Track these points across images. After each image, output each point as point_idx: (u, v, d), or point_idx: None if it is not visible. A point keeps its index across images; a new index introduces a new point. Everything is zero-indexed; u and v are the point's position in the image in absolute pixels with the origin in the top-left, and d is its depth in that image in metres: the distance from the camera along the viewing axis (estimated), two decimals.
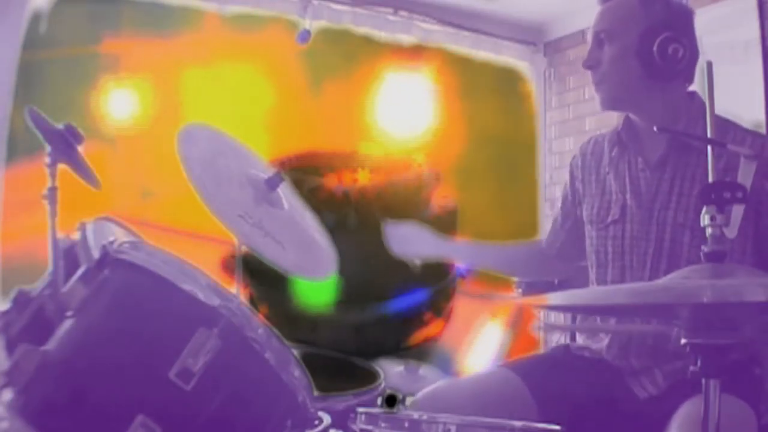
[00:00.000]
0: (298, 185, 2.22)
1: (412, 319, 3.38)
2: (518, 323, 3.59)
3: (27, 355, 1.38)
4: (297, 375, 1.46)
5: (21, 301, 1.77)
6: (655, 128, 1.46)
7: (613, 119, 1.79)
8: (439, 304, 3.46)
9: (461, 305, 3.56)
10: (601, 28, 1.69)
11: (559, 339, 3.26)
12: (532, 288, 2.57)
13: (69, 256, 1.81)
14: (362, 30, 3.77)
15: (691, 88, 1.69)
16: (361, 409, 1.23)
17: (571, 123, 4.10)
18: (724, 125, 1.57)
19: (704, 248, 1.11)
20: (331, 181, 3.36)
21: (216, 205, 1.69)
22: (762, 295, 0.94)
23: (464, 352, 3.61)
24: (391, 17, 3.83)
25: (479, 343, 3.61)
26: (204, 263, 1.54)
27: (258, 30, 3.51)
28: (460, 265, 2.85)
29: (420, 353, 3.29)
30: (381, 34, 3.80)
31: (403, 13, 3.84)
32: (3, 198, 2.97)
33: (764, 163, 1.27)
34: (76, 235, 1.86)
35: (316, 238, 1.99)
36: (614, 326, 1.66)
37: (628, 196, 1.68)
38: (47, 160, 1.88)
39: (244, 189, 1.83)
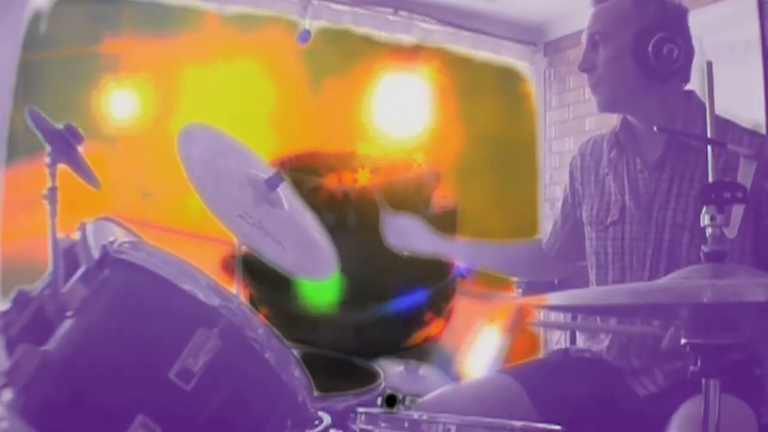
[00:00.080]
0: (298, 185, 2.22)
1: (412, 319, 3.37)
2: (517, 327, 3.59)
3: (27, 355, 1.38)
4: (297, 375, 1.46)
5: (21, 301, 1.77)
6: (655, 128, 1.46)
7: (613, 119, 1.79)
8: (439, 304, 3.46)
9: (461, 305, 3.55)
10: (595, 30, 1.68)
11: (558, 341, 3.27)
12: (532, 288, 2.56)
13: (69, 256, 1.81)
14: (362, 30, 3.77)
15: (691, 87, 1.69)
16: (361, 409, 1.23)
17: (571, 123, 4.09)
18: (723, 125, 1.57)
19: (704, 248, 1.11)
20: (331, 181, 3.36)
21: (216, 205, 1.69)
22: (762, 295, 0.94)
23: (464, 353, 3.61)
24: (391, 17, 3.83)
25: (478, 348, 3.60)
26: (204, 263, 1.54)
27: (258, 30, 3.51)
28: (459, 265, 2.85)
29: (420, 353, 3.28)
30: (381, 34, 3.80)
31: (403, 13, 3.84)
32: (3, 198, 2.97)
33: (764, 162, 1.27)
34: (76, 235, 1.85)
35: (316, 238, 1.99)
36: (612, 326, 1.66)
37: (627, 197, 1.68)
38: (47, 160, 1.88)
39: (244, 189, 1.83)
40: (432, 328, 3.47)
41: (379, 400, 1.21)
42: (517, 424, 1.16)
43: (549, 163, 4.26)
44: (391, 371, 2.77)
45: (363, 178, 3.38)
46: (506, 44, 4.15)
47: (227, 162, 1.87)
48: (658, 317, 1.38)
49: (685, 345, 1.07)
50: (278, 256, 1.74)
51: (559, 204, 1.93)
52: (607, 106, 1.71)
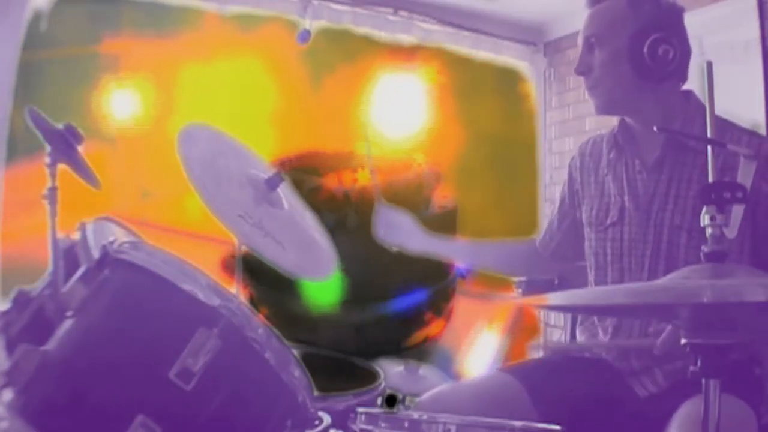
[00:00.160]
0: (298, 185, 2.22)
1: (412, 319, 3.38)
2: (516, 329, 3.59)
3: (27, 355, 1.38)
4: (297, 375, 1.46)
5: (21, 301, 1.77)
6: (654, 128, 1.46)
7: (613, 119, 1.79)
8: (439, 304, 3.46)
9: (461, 305, 3.56)
10: (590, 33, 1.68)
11: (558, 341, 3.27)
12: (532, 288, 2.56)
13: (69, 256, 1.81)
14: (362, 30, 3.77)
15: (691, 87, 1.69)
16: (361, 409, 1.23)
17: (571, 123, 4.09)
18: (722, 125, 1.56)
19: (704, 248, 1.11)
20: (331, 181, 3.36)
21: (216, 205, 1.69)
22: (762, 295, 0.94)
23: (464, 354, 3.61)
24: (391, 17, 3.82)
25: (478, 348, 3.61)
26: (204, 263, 1.54)
27: (258, 29, 3.51)
28: (459, 265, 2.86)
29: (420, 353, 3.28)
30: (381, 34, 3.80)
31: (403, 13, 3.84)
32: (3, 198, 2.96)
33: (762, 163, 1.27)
34: (76, 235, 1.85)
35: (316, 238, 1.99)
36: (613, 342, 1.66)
37: (626, 198, 1.68)
38: (47, 160, 1.88)
39: (244, 189, 1.83)
40: (432, 328, 3.48)
41: (379, 400, 1.21)
42: (517, 424, 1.16)
43: (549, 163, 4.25)
44: (391, 371, 2.77)
45: (363, 178, 3.38)
46: (506, 44, 4.15)
47: (227, 162, 1.87)
48: (658, 317, 1.39)
49: (685, 345, 1.07)
50: (278, 256, 1.73)
51: (557, 203, 1.93)
52: (604, 109, 1.71)
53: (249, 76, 3.46)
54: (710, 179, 1.18)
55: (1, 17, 2.97)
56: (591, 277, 1.77)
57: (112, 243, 1.52)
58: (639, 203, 1.66)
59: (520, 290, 2.70)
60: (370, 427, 1.20)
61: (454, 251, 2.12)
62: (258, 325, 1.44)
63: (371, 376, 2.27)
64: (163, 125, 3.15)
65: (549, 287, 2.13)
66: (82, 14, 3.27)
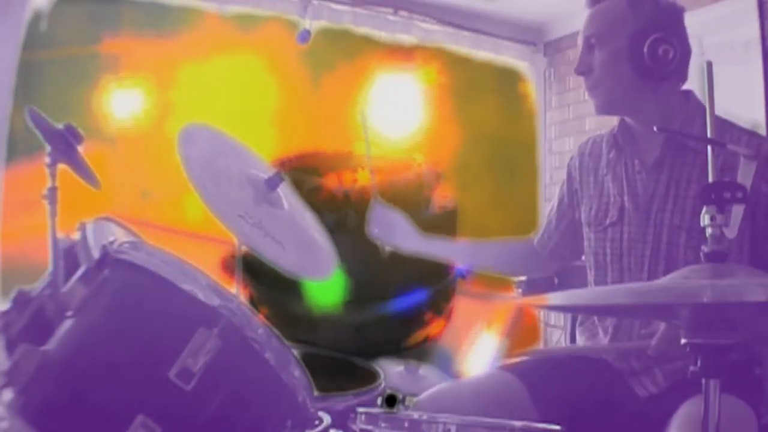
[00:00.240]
0: (298, 185, 2.22)
1: (412, 319, 3.37)
2: (516, 329, 3.59)
3: (27, 355, 1.38)
4: (297, 375, 1.46)
5: (21, 301, 1.77)
6: (654, 128, 1.46)
7: (613, 119, 1.79)
8: (439, 304, 3.46)
9: (461, 305, 3.55)
10: (590, 33, 1.68)
11: (558, 341, 3.27)
12: (532, 288, 2.56)
13: (69, 256, 1.81)
14: (362, 30, 3.77)
15: (691, 87, 1.68)
16: (361, 409, 1.23)
17: (571, 123, 4.10)
18: (721, 125, 1.56)
19: (704, 248, 1.11)
20: (331, 181, 3.36)
21: (216, 205, 1.69)
22: (762, 295, 0.94)
23: (464, 354, 3.61)
24: (391, 17, 3.83)
25: (477, 350, 3.61)
26: (204, 263, 1.54)
27: (258, 29, 3.51)
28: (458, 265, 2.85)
29: (420, 353, 3.28)
30: (381, 34, 3.80)
31: (403, 13, 3.84)
32: (3, 198, 2.97)
33: (761, 163, 1.27)
34: (76, 235, 1.86)
35: (316, 238, 1.99)
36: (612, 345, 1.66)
37: (625, 198, 1.68)
38: (47, 160, 1.88)
39: (244, 189, 1.83)
40: (432, 328, 3.48)
41: (379, 400, 1.21)
42: (517, 424, 1.16)
43: (549, 163, 4.26)
44: (391, 371, 2.77)
45: (363, 178, 3.38)
46: (506, 44, 4.15)
47: (227, 162, 1.87)
48: (658, 317, 1.38)
49: (685, 345, 1.07)
50: (278, 256, 1.73)
51: (555, 202, 1.93)
52: (604, 109, 1.71)
53: (249, 76, 3.46)
54: (710, 179, 1.18)
55: (1, 17, 2.97)
56: (590, 277, 1.77)
57: (112, 243, 1.52)
58: (638, 203, 1.66)
59: (520, 290, 2.70)
60: (370, 427, 1.20)
61: (450, 251, 2.11)
62: (258, 325, 1.44)
63: (371, 376, 2.27)
64: (163, 125, 3.16)
65: (549, 287, 2.13)
66: (82, 14, 3.27)
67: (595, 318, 1.73)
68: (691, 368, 1.07)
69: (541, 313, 3.70)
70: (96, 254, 1.54)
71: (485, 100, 4.11)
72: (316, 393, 1.53)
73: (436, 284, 3.38)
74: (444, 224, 3.49)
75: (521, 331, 3.65)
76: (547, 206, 1.96)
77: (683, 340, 1.08)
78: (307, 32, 3.45)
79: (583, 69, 1.69)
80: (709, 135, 1.20)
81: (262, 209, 1.82)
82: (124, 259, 1.48)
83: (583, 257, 1.84)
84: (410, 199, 3.47)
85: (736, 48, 3.11)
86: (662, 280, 1.16)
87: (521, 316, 3.64)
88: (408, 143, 3.74)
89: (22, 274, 2.11)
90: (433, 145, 3.78)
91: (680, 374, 1.54)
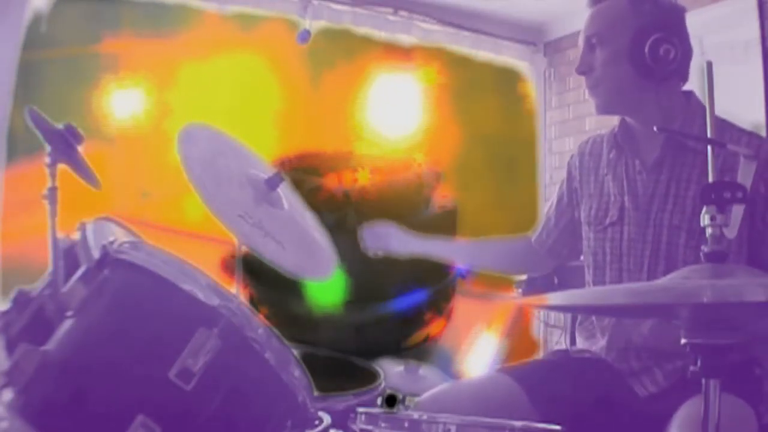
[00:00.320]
0: (298, 185, 2.22)
1: (413, 319, 3.38)
2: (515, 331, 3.59)
3: (27, 355, 1.38)
4: (297, 375, 1.46)
5: (21, 301, 1.77)
6: (655, 128, 1.46)
7: (613, 119, 1.79)
8: (439, 304, 3.47)
9: (461, 305, 3.56)
10: (592, 32, 1.68)
11: (558, 342, 3.27)
12: (532, 288, 2.56)
13: (69, 256, 1.81)
14: (362, 30, 3.77)
15: (691, 88, 1.68)
16: (361, 409, 1.23)
17: (571, 123, 4.10)
18: (721, 125, 1.56)
19: (704, 248, 1.11)
20: (331, 181, 3.36)
21: (216, 205, 1.69)
22: (762, 295, 0.94)
23: (464, 354, 3.61)
24: (391, 17, 3.83)
25: (477, 350, 3.61)
26: (204, 263, 1.54)
27: (258, 29, 3.51)
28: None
29: (420, 353, 3.28)
30: (381, 34, 3.80)
31: (403, 13, 3.84)
32: (3, 198, 2.97)
33: (761, 164, 1.27)
34: (76, 235, 1.85)
35: (316, 238, 1.99)
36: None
37: (625, 198, 1.68)
38: (47, 160, 1.88)
39: (244, 189, 1.83)
40: (432, 328, 3.48)
41: (379, 400, 1.21)
42: (518, 424, 1.16)
43: (549, 163, 4.26)
44: (391, 371, 2.77)
45: (363, 178, 3.39)
46: (506, 44, 4.16)
47: (227, 162, 1.86)
48: (657, 317, 1.39)
49: (685, 345, 1.07)
50: (278, 256, 1.73)
51: (554, 200, 1.92)
52: (605, 109, 1.71)
53: (249, 76, 3.46)
54: (710, 179, 1.18)
55: (1, 17, 2.97)
56: (589, 277, 1.76)
57: (112, 243, 1.52)
58: (638, 203, 1.66)
59: (520, 290, 2.71)
60: (370, 427, 1.20)
61: (448, 251, 2.12)
62: (258, 325, 1.43)
63: (371, 376, 2.27)
64: (163, 125, 3.16)
65: (549, 287, 2.13)
66: (82, 14, 3.27)
67: (593, 318, 1.73)
68: (691, 368, 1.07)
69: (541, 313, 3.70)
70: (96, 254, 1.53)
71: (485, 100, 4.11)
72: (316, 393, 1.53)
73: (436, 284, 3.38)
74: (444, 224, 3.50)
75: (521, 332, 3.65)
76: (547, 206, 1.96)
77: (683, 340, 1.08)
78: (307, 32, 3.45)
79: (584, 68, 1.69)
80: (709, 135, 1.20)
81: (262, 209, 1.82)
82: (124, 259, 1.48)
83: (582, 257, 1.84)
84: (410, 199, 3.48)
85: (736, 48, 3.12)
86: (662, 280, 1.16)
87: (521, 317, 3.64)
88: (408, 143, 3.75)
89: (22, 274, 2.11)
90: (433, 145, 3.78)
91: (680, 374, 1.54)
